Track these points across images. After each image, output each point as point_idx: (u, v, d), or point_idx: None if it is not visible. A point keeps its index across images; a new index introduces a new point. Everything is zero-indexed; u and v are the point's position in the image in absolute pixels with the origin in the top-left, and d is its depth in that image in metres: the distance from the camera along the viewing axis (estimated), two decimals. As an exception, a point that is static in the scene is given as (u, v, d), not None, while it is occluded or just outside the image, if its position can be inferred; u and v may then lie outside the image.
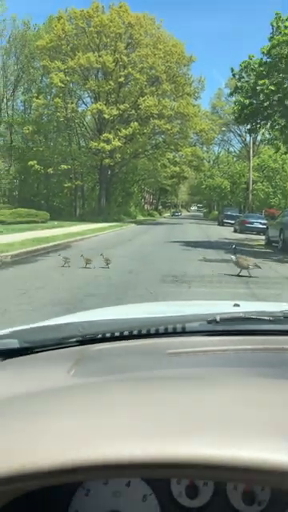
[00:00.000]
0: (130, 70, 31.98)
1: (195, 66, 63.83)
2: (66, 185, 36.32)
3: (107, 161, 32.15)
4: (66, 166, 32.44)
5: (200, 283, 7.50)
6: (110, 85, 31.58)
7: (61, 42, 31.83)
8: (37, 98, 33.41)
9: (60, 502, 0.82)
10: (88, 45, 32.30)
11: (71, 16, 32.66)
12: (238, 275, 8.29)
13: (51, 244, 12.81)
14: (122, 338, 1.19)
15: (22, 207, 28.91)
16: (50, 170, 32.96)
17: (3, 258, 8.75)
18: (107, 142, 30.87)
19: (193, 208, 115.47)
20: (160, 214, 66.96)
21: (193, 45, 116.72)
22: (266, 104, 15.82)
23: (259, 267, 8.46)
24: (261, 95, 15.48)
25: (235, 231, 27.17)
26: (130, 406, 0.69)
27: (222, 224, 36.05)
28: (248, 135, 42.08)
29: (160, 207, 77.88)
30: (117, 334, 1.19)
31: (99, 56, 31.17)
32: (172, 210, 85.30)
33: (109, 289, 6.82)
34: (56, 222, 25.42)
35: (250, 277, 8.22)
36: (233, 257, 8.70)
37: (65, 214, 36.02)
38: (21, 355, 1.14)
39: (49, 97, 34.82)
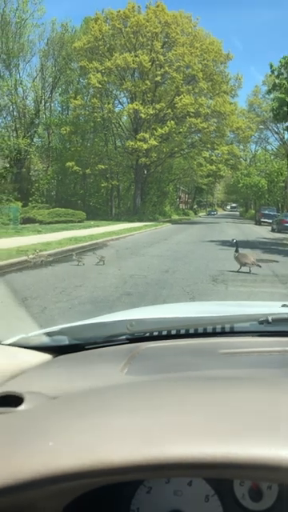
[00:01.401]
0: (167, 68, 31.91)
1: (232, 63, 63.02)
2: (102, 185, 36.67)
3: (143, 160, 32.21)
4: (102, 166, 32.73)
5: (237, 283, 7.42)
6: (146, 84, 31.61)
7: (98, 42, 32.14)
8: (74, 98, 33.84)
9: (122, 499, 0.82)
10: (124, 45, 32.48)
11: (108, 17, 32.92)
12: (238, 271, 8.45)
13: (88, 243, 12.97)
14: (170, 336, 1.18)
15: (59, 207, 29.52)
16: (88, 171, 33.35)
17: (42, 256, 8.93)
18: (143, 140, 30.93)
19: (228, 207, 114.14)
20: (195, 213, 66.45)
21: (230, 42, 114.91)
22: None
23: (259, 266, 8.55)
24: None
25: (273, 230, 26.68)
26: (201, 405, 0.68)
27: (259, 223, 35.48)
28: (286, 133, 41.23)
29: (195, 206, 77.28)
30: (164, 332, 1.19)
31: (136, 56, 31.25)
32: (208, 209, 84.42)
33: (145, 288, 6.83)
34: (92, 222, 25.75)
35: (250, 273, 8.34)
36: (235, 253, 8.76)
37: (101, 214, 36.38)
38: (71, 352, 1.15)
39: (86, 97, 35.22)
